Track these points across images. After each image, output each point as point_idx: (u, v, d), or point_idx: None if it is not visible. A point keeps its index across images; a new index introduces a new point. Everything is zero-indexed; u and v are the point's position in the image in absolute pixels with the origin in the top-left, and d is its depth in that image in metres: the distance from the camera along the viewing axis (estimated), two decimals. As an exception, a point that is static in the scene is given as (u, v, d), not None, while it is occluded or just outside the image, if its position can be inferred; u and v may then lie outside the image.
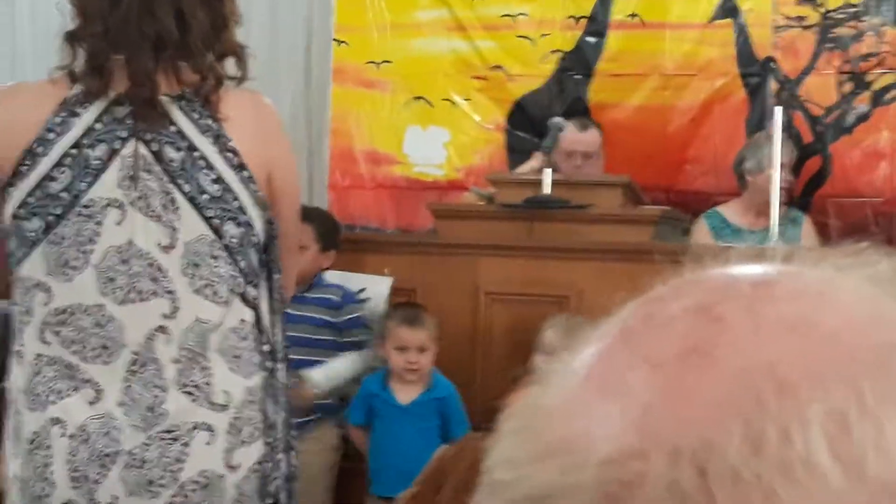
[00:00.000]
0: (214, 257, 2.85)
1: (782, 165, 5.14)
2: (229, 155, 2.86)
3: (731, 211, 5.61)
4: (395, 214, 6.39)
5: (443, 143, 6.43)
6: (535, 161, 5.67)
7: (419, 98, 6.41)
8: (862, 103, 5.91)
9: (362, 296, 4.88)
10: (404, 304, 4.75)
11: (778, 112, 5.01)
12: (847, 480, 0.46)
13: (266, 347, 2.96)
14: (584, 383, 0.54)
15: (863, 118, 5.91)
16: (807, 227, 5.54)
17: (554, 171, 5.04)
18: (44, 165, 2.85)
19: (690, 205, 5.78)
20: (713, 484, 0.47)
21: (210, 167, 2.85)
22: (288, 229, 3.06)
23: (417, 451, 3.94)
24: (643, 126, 6.10)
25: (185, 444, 2.83)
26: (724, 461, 0.48)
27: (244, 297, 2.91)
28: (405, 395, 4.60)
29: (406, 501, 2.40)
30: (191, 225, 2.84)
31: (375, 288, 4.95)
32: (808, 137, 5.87)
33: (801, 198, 5.75)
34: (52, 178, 2.84)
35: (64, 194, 2.84)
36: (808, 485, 0.46)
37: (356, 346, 4.70)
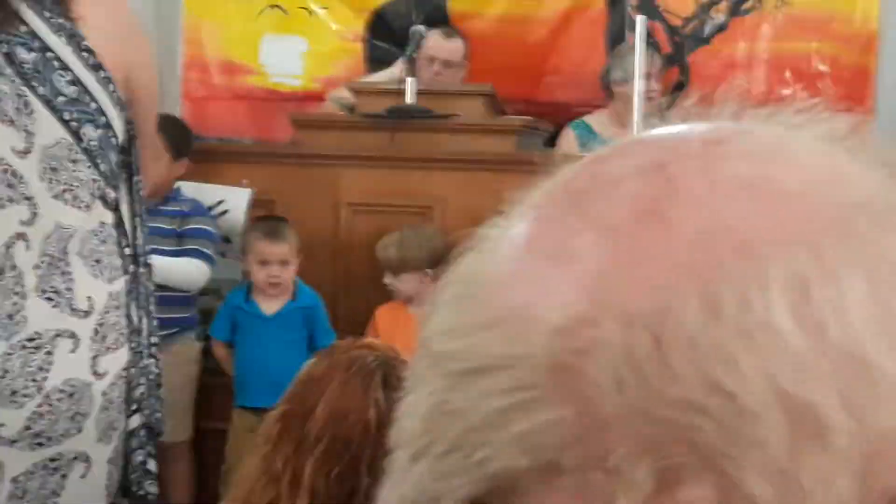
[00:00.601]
0: (74, 161, 2.75)
1: (647, 75, 5.15)
2: (85, 55, 2.76)
3: (597, 121, 5.62)
4: (251, 126, 6.28)
5: (300, 53, 6.32)
6: (395, 69, 5.60)
7: (274, 6, 6.29)
8: (719, 13, 5.94)
9: (221, 208, 4.79)
10: (265, 218, 4.68)
11: (640, 21, 5.00)
12: (808, 345, 0.44)
13: (128, 251, 2.88)
14: (526, 249, 0.51)
15: (721, 28, 5.95)
16: (670, 136, 5.56)
17: (415, 80, 4.98)
18: None
19: (550, 116, 5.77)
20: (669, 351, 0.45)
21: (65, 68, 2.74)
22: (147, 130, 2.97)
23: (284, 361, 3.89)
24: (503, 36, 6.07)
25: (49, 353, 2.74)
26: (681, 327, 0.45)
27: (105, 200, 2.82)
28: (269, 306, 4.56)
29: (275, 420, 2.33)
30: (48, 128, 2.73)
31: (234, 200, 4.86)
32: (666, 48, 5.89)
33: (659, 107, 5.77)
34: None
35: None
36: (768, 350, 0.44)
37: (191, 254, 4.58)
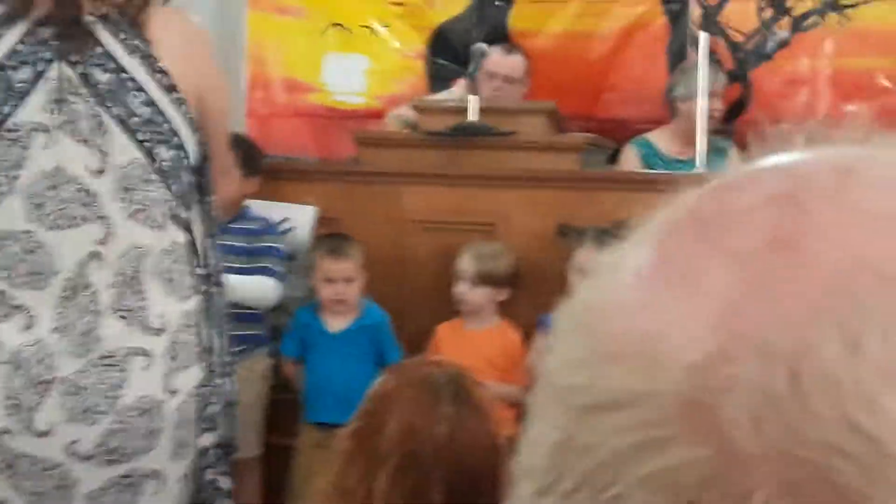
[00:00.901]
0: (147, 181, 2.79)
1: (713, 93, 5.14)
2: (159, 76, 2.80)
3: (660, 138, 5.59)
4: (314, 143, 6.31)
5: (362, 71, 6.35)
6: (457, 88, 5.61)
7: (337, 25, 6.32)
8: (782, 29, 5.92)
9: (285, 225, 4.82)
10: (329, 235, 4.70)
11: (703, 38, 5.01)
12: None
13: (201, 270, 2.91)
14: (651, 277, 0.49)
15: (783, 45, 5.92)
16: (734, 156, 5.54)
17: (478, 97, 4.99)
18: None
19: (610, 133, 5.75)
20: (808, 389, 0.43)
21: (140, 89, 2.78)
22: (219, 150, 3.00)
23: (352, 378, 3.97)
24: (564, 53, 6.07)
25: (123, 370, 2.77)
26: (820, 364, 0.44)
27: (177, 220, 2.85)
28: (336, 324, 4.58)
29: (347, 437, 2.36)
30: (122, 148, 2.77)
31: (299, 217, 4.89)
32: (728, 64, 5.87)
33: (721, 125, 5.75)
34: None
35: None
36: None
37: (262, 272, 4.62)
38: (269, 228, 4.71)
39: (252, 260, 4.59)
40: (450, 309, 4.64)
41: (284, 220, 4.83)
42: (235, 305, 4.13)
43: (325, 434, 4.28)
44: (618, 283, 0.50)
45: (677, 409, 0.45)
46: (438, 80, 6.18)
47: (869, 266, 0.45)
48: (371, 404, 2.39)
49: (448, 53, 6.19)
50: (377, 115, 6.13)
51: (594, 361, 0.48)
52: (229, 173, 3.15)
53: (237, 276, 4.39)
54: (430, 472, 2.25)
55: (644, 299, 0.49)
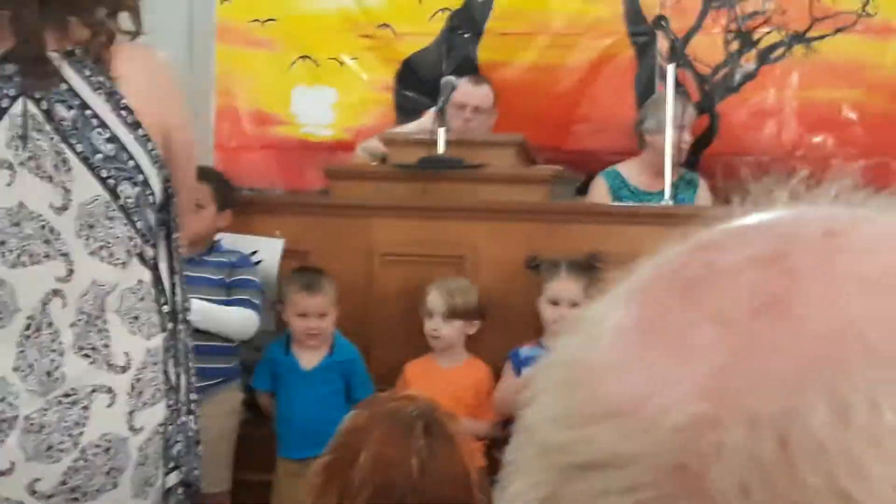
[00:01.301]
0: (110, 218, 2.77)
1: (682, 126, 5.16)
2: (123, 113, 2.78)
3: (629, 170, 5.61)
4: (282, 176, 6.30)
5: (330, 104, 6.35)
6: (425, 117, 5.62)
7: (305, 57, 6.32)
8: (748, 62, 5.94)
9: (255, 258, 4.82)
10: (303, 269, 4.71)
11: (671, 70, 5.03)
12: None
13: (166, 308, 2.90)
14: (637, 338, 0.49)
15: (749, 77, 5.95)
16: (702, 189, 5.56)
17: (446, 129, 4.99)
18: None
19: (579, 165, 5.77)
20: (796, 456, 0.43)
21: (103, 125, 2.77)
22: (186, 185, 2.99)
23: (323, 414, 4.02)
24: (532, 85, 6.08)
25: (85, 408, 2.75)
26: (808, 431, 0.44)
27: (142, 258, 2.84)
28: (308, 359, 4.61)
29: (320, 470, 2.36)
30: (85, 185, 2.75)
31: (267, 250, 4.88)
32: (695, 97, 5.89)
33: (688, 156, 5.76)
34: None
35: None
36: None
37: (241, 304, 4.63)
38: (244, 260, 4.72)
39: (231, 292, 4.61)
40: (418, 342, 4.64)
41: (253, 254, 4.82)
42: (209, 337, 4.16)
43: (300, 465, 4.28)
44: (601, 341, 0.50)
45: (663, 472, 0.45)
46: (406, 112, 6.18)
47: (856, 331, 0.45)
48: (343, 437, 2.39)
49: (416, 85, 6.20)
50: (346, 147, 6.13)
51: (579, 420, 0.48)
52: (197, 208, 3.13)
53: (220, 307, 4.43)
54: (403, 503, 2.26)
55: (629, 359, 0.49)
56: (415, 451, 2.29)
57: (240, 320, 4.58)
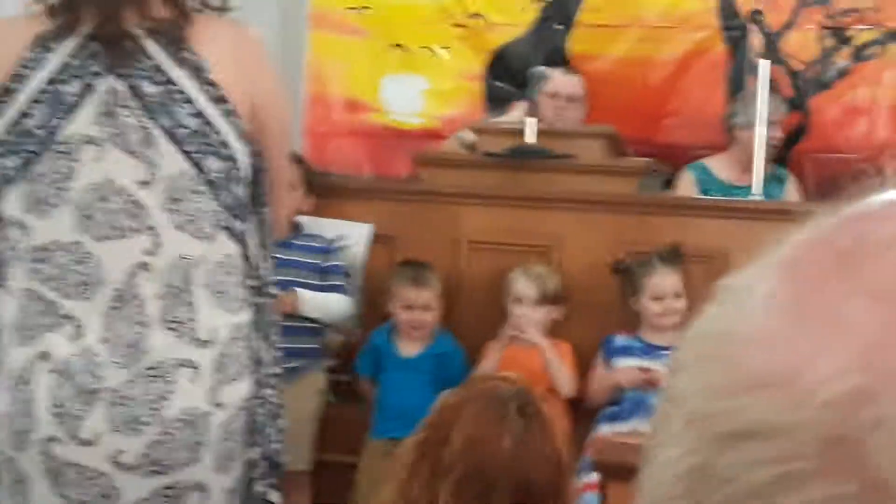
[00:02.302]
0: (196, 192, 2.79)
1: (773, 122, 5.11)
2: (208, 87, 2.81)
3: (716, 164, 5.58)
4: (370, 163, 6.33)
5: (420, 92, 6.37)
6: (516, 111, 5.62)
7: (397, 45, 6.34)
8: (842, 59, 5.88)
9: (340, 242, 4.86)
10: (410, 263, 4.78)
11: (763, 66, 4.99)
12: None
13: (253, 282, 2.92)
14: (788, 309, 0.49)
15: (843, 73, 5.89)
16: (791, 185, 5.52)
17: (537, 120, 5.00)
18: (19, 102, 2.79)
19: (667, 158, 5.74)
20: None
21: (188, 101, 2.79)
22: (277, 163, 3.00)
23: (418, 399, 4.02)
24: (623, 78, 6.06)
25: (169, 382, 2.78)
26: None
27: (230, 232, 2.86)
28: (409, 349, 4.70)
29: (412, 448, 2.38)
30: (170, 160, 2.78)
31: (354, 235, 4.91)
32: (787, 92, 5.84)
33: (778, 153, 5.71)
34: (28, 115, 2.79)
35: (39, 131, 2.78)
36: None
37: (336, 290, 4.69)
38: (332, 246, 4.77)
39: (325, 277, 4.68)
40: (501, 330, 4.66)
41: (339, 238, 4.86)
42: (293, 318, 4.22)
43: (389, 445, 4.36)
44: (752, 312, 0.50)
45: (819, 444, 0.45)
46: (495, 101, 6.19)
47: None
48: (437, 416, 2.41)
49: (506, 76, 6.20)
50: (434, 135, 6.14)
51: (734, 390, 0.48)
52: (287, 187, 3.15)
53: (321, 293, 4.52)
54: (494, 485, 2.28)
55: (782, 331, 0.48)
56: (508, 431, 2.30)
57: (339, 306, 4.66)
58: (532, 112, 5.00)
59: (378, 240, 4.92)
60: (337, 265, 4.76)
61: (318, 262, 4.70)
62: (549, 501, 2.34)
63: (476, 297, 4.87)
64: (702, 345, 0.51)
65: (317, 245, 4.73)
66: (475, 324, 4.81)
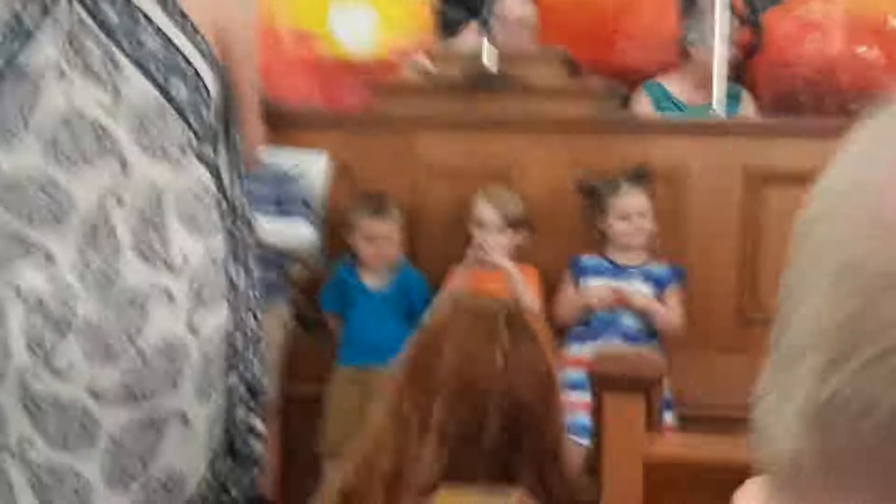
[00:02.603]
0: (162, 117, 2.74)
1: (725, 38, 5.09)
2: (171, 10, 2.74)
3: (671, 83, 5.54)
4: (322, 93, 6.25)
5: (370, 20, 6.28)
6: (469, 35, 5.56)
7: (343, -26, 6.26)
8: (794, -28, 5.86)
9: (297, 171, 4.79)
10: (369, 195, 4.72)
11: (719, -18, 4.96)
12: None
13: (225, 207, 2.87)
14: None
15: (795, -13, 5.86)
16: (746, 101, 5.50)
17: (492, 43, 4.95)
18: None
19: (621, 80, 5.70)
20: None
21: (149, 20, 2.72)
22: (245, 89, 2.95)
23: (388, 332, 4.20)
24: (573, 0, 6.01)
25: (143, 309, 2.73)
26: None
27: (199, 156, 2.81)
28: (374, 281, 4.66)
29: (402, 366, 2.36)
30: (135, 84, 2.72)
31: (310, 164, 4.85)
32: (740, 8, 5.80)
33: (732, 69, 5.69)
34: None
35: None
36: None
37: (294, 218, 4.63)
38: (288, 176, 4.70)
39: (282, 207, 4.60)
40: (464, 258, 4.62)
41: (294, 167, 4.79)
42: (265, 249, 4.16)
43: (358, 372, 4.47)
44: (876, 161, 0.50)
45: None
46: (446, 27, 6.12)
47: None
48: (425, 334, 2.40)
49: (455, 0, 6.14)
50: (385, 65, 6.07)
51: (886, 234, 0.48)
52: (257, 111, 3.08)
53: (281, 222, 4.45)
54: (487, 401, 2.28)
55: None
56: (499, 346, 2.31)
57: (299, 234, 4.60)
58: (486, 35, 4.94)
59: (335, 170, 4.85)
60: (294, 194, 4.69)
61: (274, 192, 4.62)
62: (539, 414, 2.33)
63: (436, 224, 4.83)
64: (839, 196, 0.51)
65: (272, 175, 4.65)
66: (437, 251, 4.77)
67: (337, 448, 4.41)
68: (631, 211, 4.52)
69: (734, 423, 4.41)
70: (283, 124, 4.89)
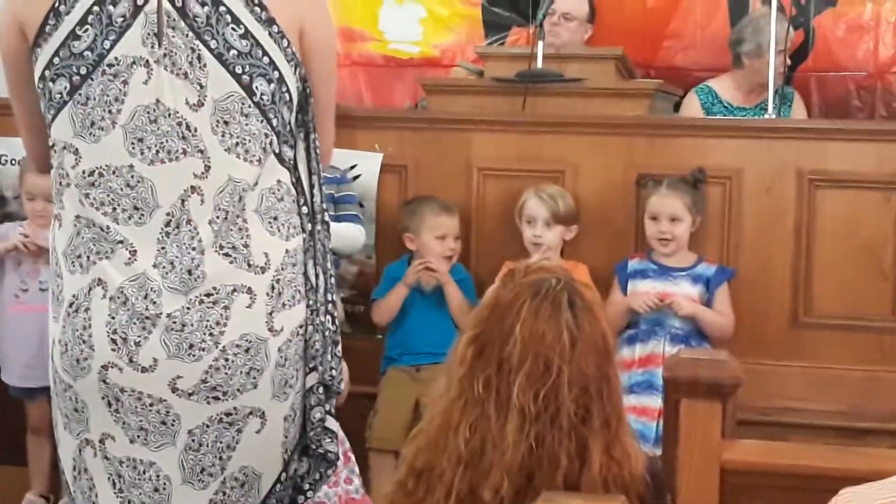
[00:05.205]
0: (245, 115, 2.75)
1: (781, 51, 5.09)
2: (257, 9, 2.75)
3: (722, 86, 5.55)
4: (371, 92, 6.28)
5: (418, 20, 6.30)
6: (514, 35, 5.57)
7: (393, -26, 6.28)
8: (846, -26, 5.85)
9: (353, 172, 4.81)
10: (427, 197, 4.76)
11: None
12: None
13: (305, 209, 2.88)
14: None
15: (846, -10, 5.85)
16: (797, 103, 5.50)
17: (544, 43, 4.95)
18: (67, 24, 2.74)
19: (670, 81, 5.71)
20: None
21: (237, 21, 2.74)
22: (323, 89, 2.95)
23: (441, 333, 4.25)
24: (624, 1, 6.02)
25: (226, 307, 2.74)
26: None
27: (280, 157, 2.82)
28: (429, 280, 4.68)
29: (468, 343, 2.41)
30: (219, 82, 2.73)
31: (366, 164, 4.87)
32: (791, 11, 5.80)
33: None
34: (77, 37, 2.73)
35: (88, 53, 2.73)
36: None
37: (349, 219, 4.65)
38: (344, 176, 4.72)
39: (338, 208, 4.61)
40: (517, 254, 4.63)
41: (351, 168, 4.81)
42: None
43: (411, 369, 4.57)
44: None
45: None
46: (493, 27, 6.13)
47: None
48: (489, 311, 2.44)
49: (503, 1, 6.15)
50: (433, 64, 6.09)
51: None
52: (332, 113, 3.09)
53: (336, 223, 4.48)
54: (560, 378, 2.34)
55: None
56: (565, 324, 2.37)
57: (352, 236, 4.62)
58: (540, 36, 4.94)
59: (388, 169, 4.87)
60: (350, 195, 4.71)
61: (331, 192, 4.64)
62: (600, 382, 2.40)
63: (488, 224, 4.85)
64: None
65: (329, 175, 4.68)
66: (487, 250, 4.79)
67: (385, 444, 4.45)
68: (660, 213, 4.51)
69: (786, 428, 4.39)
70: (338, 124, 4.91)
